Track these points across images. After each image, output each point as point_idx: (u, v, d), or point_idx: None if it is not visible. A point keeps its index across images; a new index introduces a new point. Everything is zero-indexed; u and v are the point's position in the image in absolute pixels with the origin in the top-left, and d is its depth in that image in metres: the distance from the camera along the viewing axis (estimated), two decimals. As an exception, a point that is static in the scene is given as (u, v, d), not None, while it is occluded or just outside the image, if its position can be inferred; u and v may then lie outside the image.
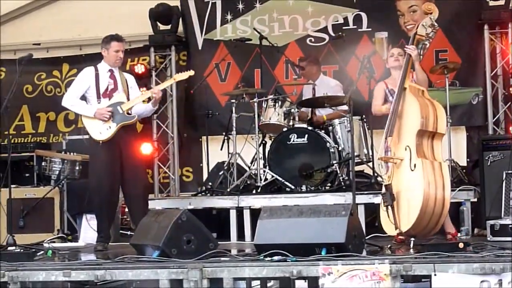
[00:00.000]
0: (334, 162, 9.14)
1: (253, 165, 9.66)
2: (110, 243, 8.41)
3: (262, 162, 9.52)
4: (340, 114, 9.54)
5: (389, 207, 7.09)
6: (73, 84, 8.50)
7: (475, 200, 8.62)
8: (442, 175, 7.20)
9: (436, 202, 7.07)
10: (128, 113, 8.25)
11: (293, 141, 9.27)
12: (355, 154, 8.69)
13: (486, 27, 10.35)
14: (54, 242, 9.04)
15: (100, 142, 8.18)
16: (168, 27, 11.54)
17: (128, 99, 8.32)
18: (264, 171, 9.37)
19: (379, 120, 8.14)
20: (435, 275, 5.73)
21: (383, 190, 7.31)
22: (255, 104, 9.55)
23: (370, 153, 9.30)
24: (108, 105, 8.22)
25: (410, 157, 7.16)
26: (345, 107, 8.97)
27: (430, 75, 10.24)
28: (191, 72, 8.65)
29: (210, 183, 9.93)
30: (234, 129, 9.73)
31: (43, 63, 12.09)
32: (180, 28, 11.62)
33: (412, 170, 7.13)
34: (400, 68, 7.75)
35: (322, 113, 9.85)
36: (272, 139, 9.58)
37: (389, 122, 7.33)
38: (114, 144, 8.20)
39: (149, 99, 8.46)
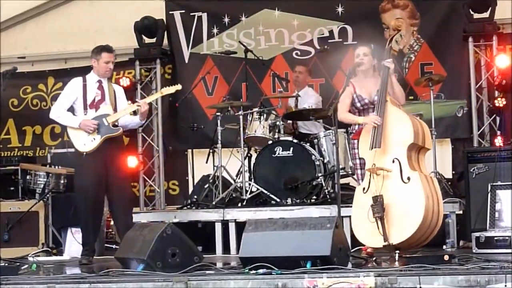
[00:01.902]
0: (320, 174, 9.13)
1: (239, 178, 9.65)
2: (95, 257, 8.35)
3: (247, 175, 9.51)
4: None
5: (379, 218, 7.07)
6: (61, 95, 8.43)
7: (461, 212, 8.64)
8: (435, 188, 7.24)
9: (433, 215, 7.11)
10: (113, 126, 8.21)
11: (278, 154, 9.26)
12: (341, 166, 8.69)
13: (470, 39, 10.40)
14: (38, 255, 9.00)
15: (84, 153, 8.14)
16: (153, 40, 11.53)
17: (115, 111, 8.28)
18: (250, 184, 9.36)
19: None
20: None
21: (363, 199, 7.29)
22: (240, 117, 9.55)
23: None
24: (93, 117, 8.17)
25: (401, 169, 7.16)
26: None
27: (415, 87, 10.32)
28: (179, 86, 8.57)
29: (195, 196, 9.90)
30: (219, 142, 9.70)
31: (28, 77, 12.05)
32: (165, 41, 11.62)
33: (405, 183, 7.12)
34: (366, 68, 7.75)
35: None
36: (258, 152, 9.57)
37: (374, 134, 7.32)
38: (99, 156, 8.13)
39: (135, 112, 8.43)
